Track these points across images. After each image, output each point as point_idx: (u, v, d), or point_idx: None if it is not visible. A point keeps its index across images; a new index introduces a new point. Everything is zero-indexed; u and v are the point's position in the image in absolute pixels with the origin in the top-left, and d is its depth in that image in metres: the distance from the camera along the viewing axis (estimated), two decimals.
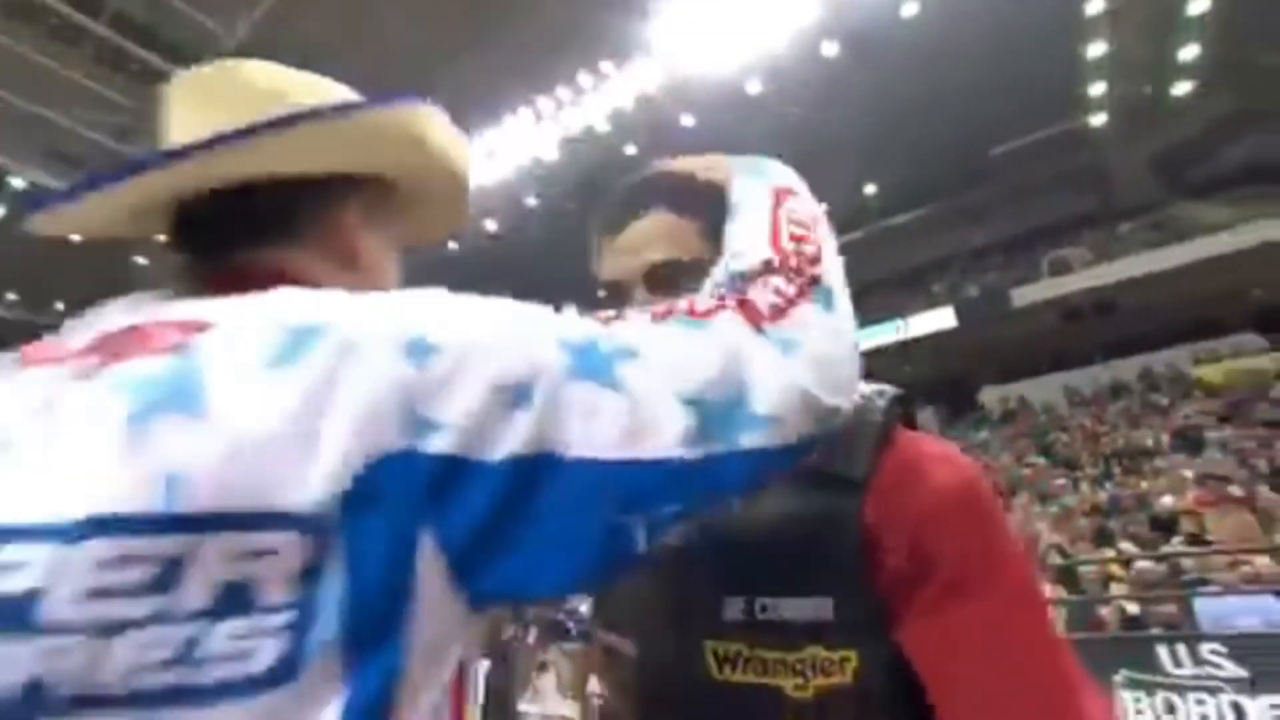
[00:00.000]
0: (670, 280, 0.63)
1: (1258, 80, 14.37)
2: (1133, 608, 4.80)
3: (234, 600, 0.34)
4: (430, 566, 0.38)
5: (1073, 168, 17.59)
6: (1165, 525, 6.35)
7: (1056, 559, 5.75)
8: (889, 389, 0.65)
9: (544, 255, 20.57)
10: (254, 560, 0.34)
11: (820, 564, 0.57)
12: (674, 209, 0.66)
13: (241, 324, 0.40)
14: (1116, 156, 17.25)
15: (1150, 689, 3.57)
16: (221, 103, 0.53)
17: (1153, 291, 13.27)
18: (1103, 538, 6.48)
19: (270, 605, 0.35)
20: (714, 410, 0.44)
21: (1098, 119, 16.50)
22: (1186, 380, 12.40)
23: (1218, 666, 3.45)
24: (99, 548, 0.33)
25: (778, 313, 0.49)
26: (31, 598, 0.32)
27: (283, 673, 0.34)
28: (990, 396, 16.32)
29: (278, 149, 0.49)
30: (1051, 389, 14.24)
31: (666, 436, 0.42)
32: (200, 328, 0.40)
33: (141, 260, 17.55)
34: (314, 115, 0.50)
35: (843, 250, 0.59)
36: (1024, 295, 14.52)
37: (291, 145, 0.49)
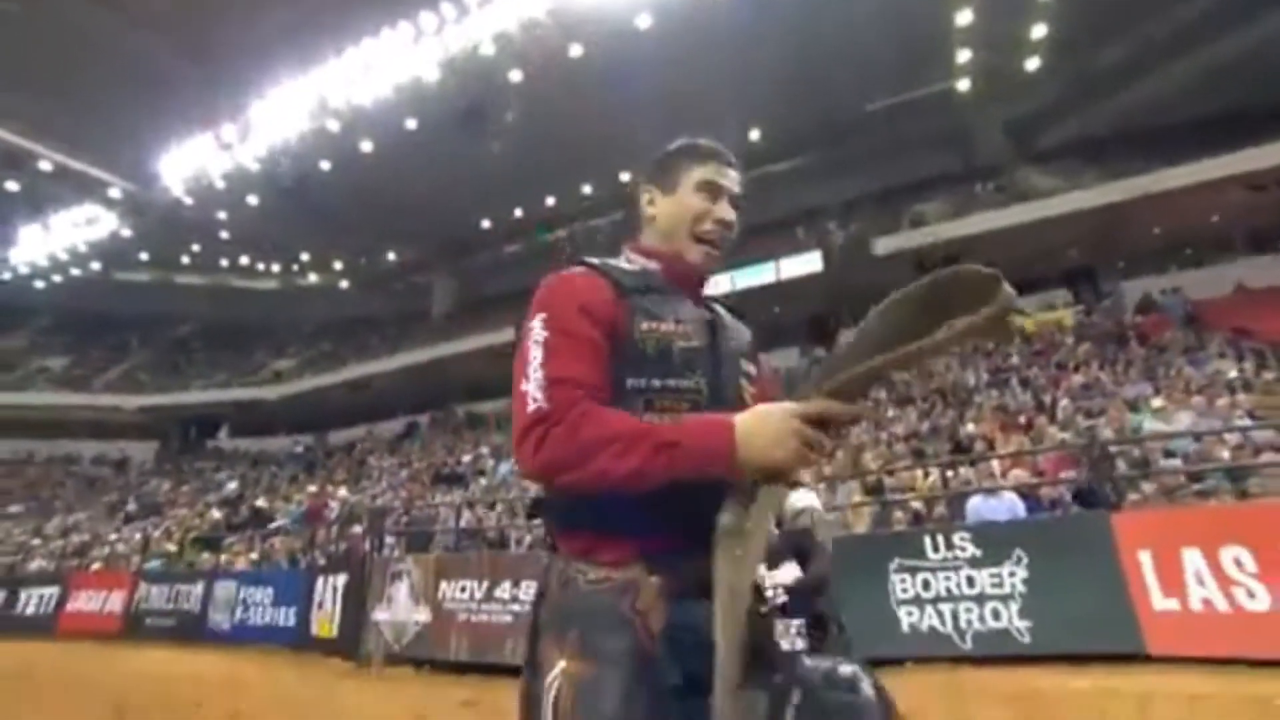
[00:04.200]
0: (739, 207, 1.09)
1: (1089, 64, 15.92)
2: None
3: None
4: None
5: (939, 128, 18.84)
6: (963, 448, 7.42)
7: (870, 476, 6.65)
8: None
9: (419, 181, 19.72)
10: None
11: None
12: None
13: None
14: (977, 120, 18.64)
15: (914, 571, 4.35)
16: None
17: (993, 247, 14.69)
18: (917, 458, 7.49)
19: None
20: None
21: (963, 84, 17.70)
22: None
23: (962, 550, 4.25)
24: None
25: None
26: None
27: None
28: (850, 337, 17.59)
29: None
30: None
31: None
32: None
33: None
34: None
35: None
36: (885, 245, 15.63)
37: None
